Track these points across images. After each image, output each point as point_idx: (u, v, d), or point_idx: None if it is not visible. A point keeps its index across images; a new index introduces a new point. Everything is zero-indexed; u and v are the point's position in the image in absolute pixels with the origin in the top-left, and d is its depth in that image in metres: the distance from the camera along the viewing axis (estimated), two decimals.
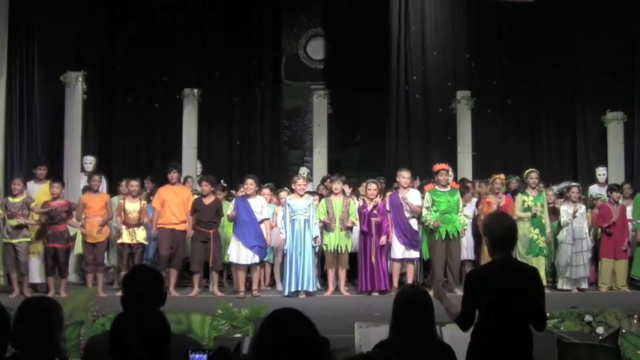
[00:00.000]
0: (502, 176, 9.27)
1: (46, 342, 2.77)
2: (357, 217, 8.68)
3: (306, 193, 8.82)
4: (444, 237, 8.65)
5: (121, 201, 8.73)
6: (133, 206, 8.61)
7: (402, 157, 12.64)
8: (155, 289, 2.93)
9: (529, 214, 8.82)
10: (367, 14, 13.05)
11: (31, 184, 8.96)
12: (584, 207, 9.23)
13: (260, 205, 8.60)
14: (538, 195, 9.01)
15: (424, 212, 8.71)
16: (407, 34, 12.96)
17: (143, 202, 8.78)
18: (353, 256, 8.97)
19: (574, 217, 8.95)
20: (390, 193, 9.09)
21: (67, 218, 8.43)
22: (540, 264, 8.77)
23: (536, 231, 8.84)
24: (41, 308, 2.88)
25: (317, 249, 8.69)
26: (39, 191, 8.76)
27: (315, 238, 8.54)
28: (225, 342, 5.69)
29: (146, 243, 8.70)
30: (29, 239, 8.42)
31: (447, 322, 3.90)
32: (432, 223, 8.60)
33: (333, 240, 8.67)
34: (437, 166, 9.03)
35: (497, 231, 3.68)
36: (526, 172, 9.26)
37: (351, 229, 8.78)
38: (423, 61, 13.08)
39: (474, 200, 9.54)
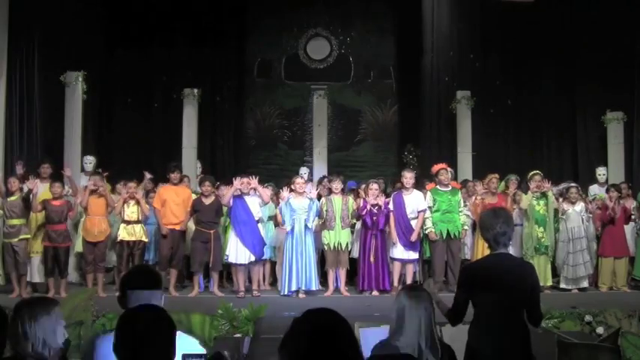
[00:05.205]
0: (497, 176, 9.26)
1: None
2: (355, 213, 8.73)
3: (305, 192, 8.83)
4: (444, 236, 8.67)
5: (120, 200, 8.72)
6: (131, 206, 8.62)
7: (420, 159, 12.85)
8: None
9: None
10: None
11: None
12: (583, 205, 9.22)
13: (257, 204, 8.63)
14: (542, 195, 9.00)
15: (427, 214, 8.74)
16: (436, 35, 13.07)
17: (144, 201, 8.78)
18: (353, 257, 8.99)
19: (587, 210, 9.00)
20: (394, 193, 9.11)
21: (67, 217, 8.43)
22: (546, 263, 8.78)
23: (541, 229, 8.86)
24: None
25: (313, 228, 8.63)
26: (43, 191, 8.74)
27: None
28: (225, 342, 5.68)
29: (146, 240, 8.70)
30: (28, 236, 8.43)
31: (447, 322, 3.90)
32: (430, 232, 8.67)
33: (334, 237, 8.69)
34: (436, 167, 9.05)
35: (494, 227, 3.69)
36: (529, 174, 9.24)
37: (353, 226, 8.78)
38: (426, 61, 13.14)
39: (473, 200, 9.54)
